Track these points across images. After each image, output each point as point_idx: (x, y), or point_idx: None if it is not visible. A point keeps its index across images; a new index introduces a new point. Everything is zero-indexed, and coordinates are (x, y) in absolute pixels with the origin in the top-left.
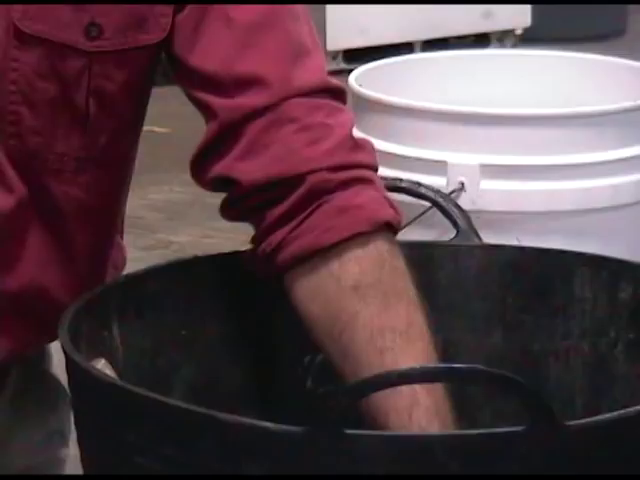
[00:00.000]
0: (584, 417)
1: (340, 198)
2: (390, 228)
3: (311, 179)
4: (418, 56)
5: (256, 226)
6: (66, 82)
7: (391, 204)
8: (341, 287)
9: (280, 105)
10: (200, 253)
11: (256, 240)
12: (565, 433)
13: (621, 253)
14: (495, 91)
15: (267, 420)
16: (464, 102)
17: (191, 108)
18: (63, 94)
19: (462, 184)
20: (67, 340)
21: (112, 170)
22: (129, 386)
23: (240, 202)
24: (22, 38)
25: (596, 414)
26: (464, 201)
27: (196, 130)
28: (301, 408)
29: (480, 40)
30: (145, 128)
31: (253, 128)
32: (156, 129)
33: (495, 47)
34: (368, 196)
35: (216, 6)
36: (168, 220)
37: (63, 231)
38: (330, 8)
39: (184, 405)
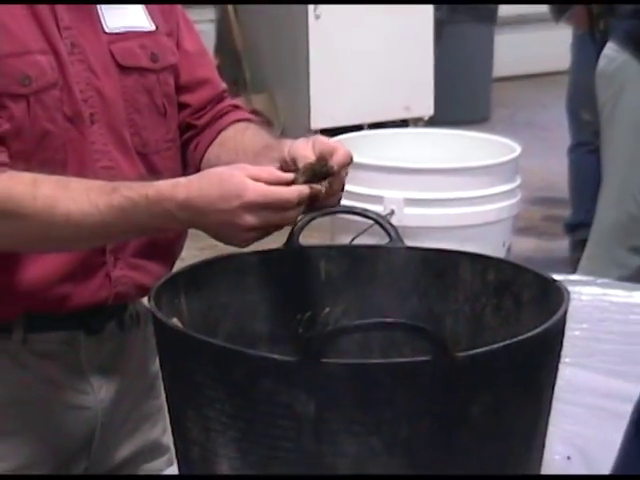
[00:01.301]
0: (467, 350)
1: (232, 113)
2: (260, 124)
3: (221, 107)
4: (366, 133)
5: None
6: (150, 92)
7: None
8: (234, 134)
9: (219, 93)
10: (235, 252)
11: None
12: (455, 361)
13: (488, 251)
14: (412, 153)
15: (275, 353)
16: (394, 160)
17: None
18: (151, 100)
19: (393, 210)
20: (153, 305)
21: (178, 147)
22: (191, 332)
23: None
24: (124, 70)
25: (473, 349)
26: (394, 220)
27: None
28: (295, 346)
29: (403, 123)
30: None
31: (209, 109)
32: None
33: (412, 127)
34: (244, 112)
35: (181, 39)
36: None
37: None
38: (313, 103)
39: (225, 344)
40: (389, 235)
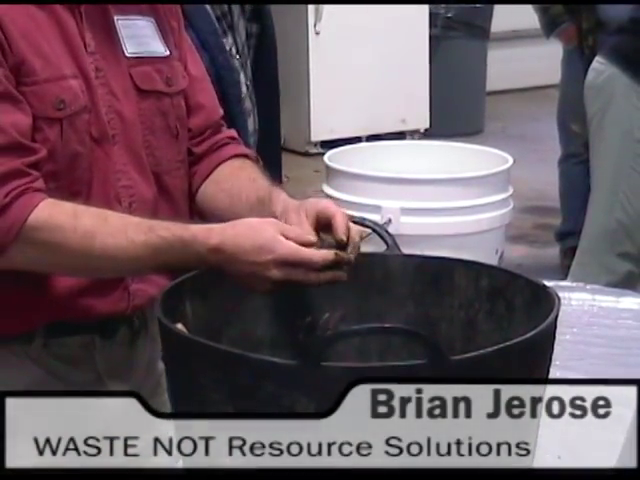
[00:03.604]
0: (461, 354)
1: (229, 146)
2: (254, 161)
3: (218, 139)
4: (364, 144)
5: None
6: (165, 114)
7: (252, 153)
8: (229, 174)
9: (217, 121)
10: None
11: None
12: (450, 364)
13: (481, 258)
14: (409, 165)
15: (276, 358)
16: (392, 171)
17: None
18: (165, 123)
19: (390, 219)
20: (160, 312)
21: (187, 168)
22: (196, 338)
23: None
24: (141, 94)
25: (467, 352)
26: (391, 229)
27: None
28: (296, 351)
29: (400, 135)
30: None
31: (207, 135)
32: None
33: (408, 140)
34: (240, 146)
35: (188, 64)
36: None
37: (177, 209)
38: (313, 116)
39: (228, 348)
40: (386, 243)
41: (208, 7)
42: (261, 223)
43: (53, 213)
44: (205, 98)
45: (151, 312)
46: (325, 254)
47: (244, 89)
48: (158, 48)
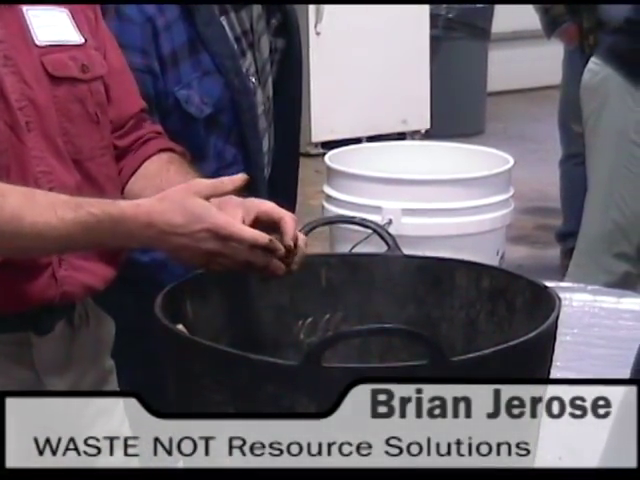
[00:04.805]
0: (462, 355)
1: (155, 140)
2: (182, 155)
3: (143, 133)
4: (365, 145)
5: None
6: (82, 101)
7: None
8: (159, 169)
9: (137, 113)
10: None
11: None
12: (450, 365)
13: (482, 259)
14: (410, 165)
15: (277, 358)
16: (392, 171)
17: None
18: (83, 109)
19: (390, 220)
20: (160, 313)
21: (113, 154)
22: (196, 338)
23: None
24: (55, 81)
25: (468, 353)
26: (392, 229)
27: None
28: (297, 351)
29: (400, 136)
30: None
31: (130, 127)
32: None
33: (409, 140)
34: (166, 140)
35: (107, 54)
36: None
37: (104, 195)
38: (314, 117)
39: (229, 349)
40: (387, 244)
41: (228, 29)
42: (187, 194)
43: None
44: (124, 90)
45: (92, 306)
46: (256, 235)
47: (260, 109)
48: (72, 37)
